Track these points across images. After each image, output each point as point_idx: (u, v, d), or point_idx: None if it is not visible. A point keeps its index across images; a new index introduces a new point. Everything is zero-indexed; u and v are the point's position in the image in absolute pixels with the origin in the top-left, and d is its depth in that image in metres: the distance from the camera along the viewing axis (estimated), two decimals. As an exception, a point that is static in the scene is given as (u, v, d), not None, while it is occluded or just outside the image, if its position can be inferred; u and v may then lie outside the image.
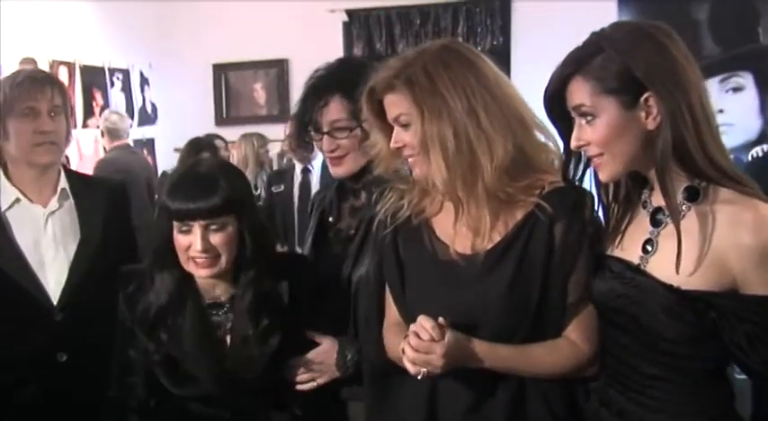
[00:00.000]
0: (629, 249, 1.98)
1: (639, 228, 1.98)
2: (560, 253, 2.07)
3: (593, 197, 2.09)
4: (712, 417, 1.93)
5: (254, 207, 2.53)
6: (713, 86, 7.83)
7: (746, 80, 7.83)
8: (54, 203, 2.82)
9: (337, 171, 2.64)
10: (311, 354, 2.48)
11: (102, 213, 2.86)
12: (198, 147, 6.30)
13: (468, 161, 2.06)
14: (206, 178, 2.36)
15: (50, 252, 2.79)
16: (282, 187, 6.59)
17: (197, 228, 2.32)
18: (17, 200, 2.79)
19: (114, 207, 2.93)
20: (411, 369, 2.01)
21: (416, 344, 1.98)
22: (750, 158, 6.64)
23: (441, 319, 2.00)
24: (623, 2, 8.00)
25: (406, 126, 2.13)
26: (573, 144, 1.95)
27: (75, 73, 7.41)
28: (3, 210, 2.77)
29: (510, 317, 2.08)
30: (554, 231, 2.08)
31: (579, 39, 1.96)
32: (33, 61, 6.69)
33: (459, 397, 2.14)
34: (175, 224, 2.35)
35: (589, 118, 1.89)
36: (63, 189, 2.84)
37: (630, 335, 1.95)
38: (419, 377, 2.01)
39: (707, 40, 7.95)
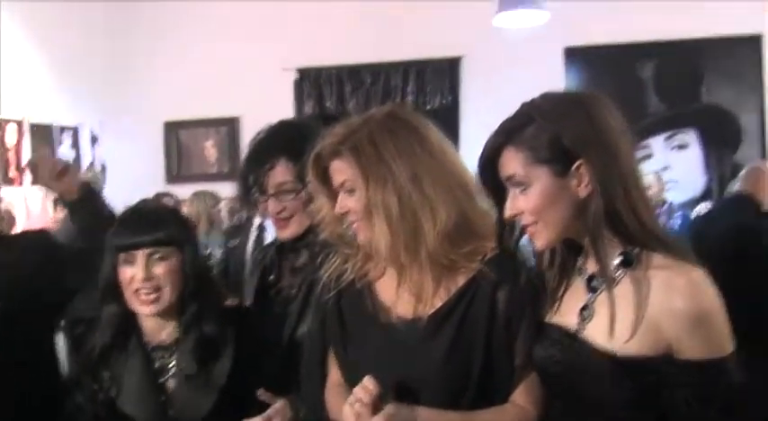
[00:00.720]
0: (566, 316, 1.98)
1: (576, 294, 1.98)
2: (504, 319, 2.08)
3: (529, 263, 2.11)
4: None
5: (198, 249, 2.54)
6: (659, 143, 8.00)
7: (691, 137, 8.00)
8: None
9: (283, 233, 2.66)
10: (267, 414, 2.46)
11: (11, 268, 2.76)
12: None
13: (412, 227, 2.07)
14: (151, 213, 2.46)
15: None
16: (238, 242, 6.59)
17: (140, 258, 2.36)
18: None
19: (32, 260, 2.81)
20: None
21: (357, 414, 1.98)
22: (694, 215, 6.75)
23: (374, 390, 2.00)
24: (570, 61, 8.16)
25: (350, 192, 2.14)
26: (507, 213, 1.95)
27: (24, 131, 7.37)
28: None
29: (452, 383, 2.08)
30: (497, 297, 2.09)
31: (528, 97, 1.98)
32: (-19, 119, 6.67)
33: None
34: (120, 257, 2.38)
35: (522, 187, 1.90)
36: None
37: (571, 400, 1.95)
38: None
39: (652, 98, 8.13)
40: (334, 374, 2.30)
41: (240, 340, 2.47)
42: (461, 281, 2.13)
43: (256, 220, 6.30)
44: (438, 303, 2.13)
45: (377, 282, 2.25)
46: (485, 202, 2.14)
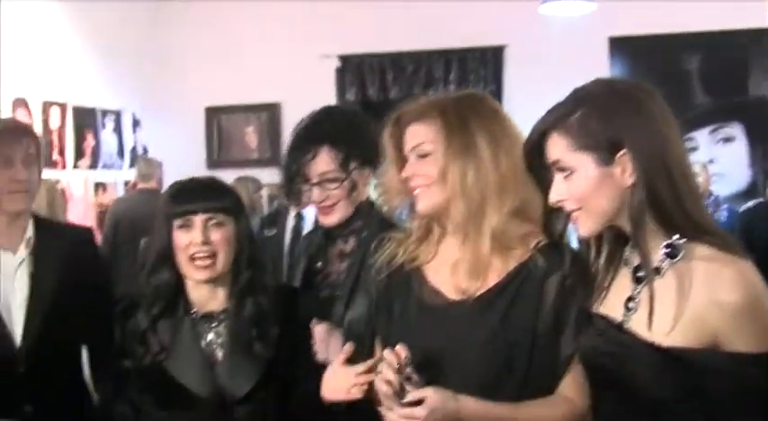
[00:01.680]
0: (612, 307, 1.95)
1: (622, 285, 1.96)
2: (553, 307, 2.10)
3: (576, 252, 2.10)
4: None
5: (250, 222, 2.58)
6: (704, 136, 7.90)
7: (736, 131, 7.90)
8: (22, 252, 2.83)
9: (328, 219, 2.69)
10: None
11: (60, 262, 2.86)
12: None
13: (481, 199, 2.11)
14: (207, 182, 2.53)
15: (17, 301, 2.79)
16: (274, 231, 6.56)
17: (198, 223, 2.40)
18: None
19: (74, 254, 2.92)
20: None
21: (398, 412, 2.01)
22: (743, 209, 6.66)
23: (403, 355, 2.02)
24: (615, 51, 8.08)
25: (424, 156, 2.17)
26: (551, 199, 1.95)
27: (68, 114, 7.42)
28: None
29: (494, 366, 2.09)
30: (546, 285, 2.11)
31: (571, 87, 1.96)
32: (25, 102, 6.71)
33: None
34: (175, 223, 2.42)
35: (566, 173, 1.89)
36: (29, 238, 2.85)
37: (615, 393, 1.92)
38: None
39: (697, 91, 8.03)
40: None
41: (287, 318, 2.49)
42: (513, 264, 2.15)
43: (293, 209, 6.28)
44: (488, 284, 2.14)
45: (426, 265, 2.26)
46: None
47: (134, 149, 8.50)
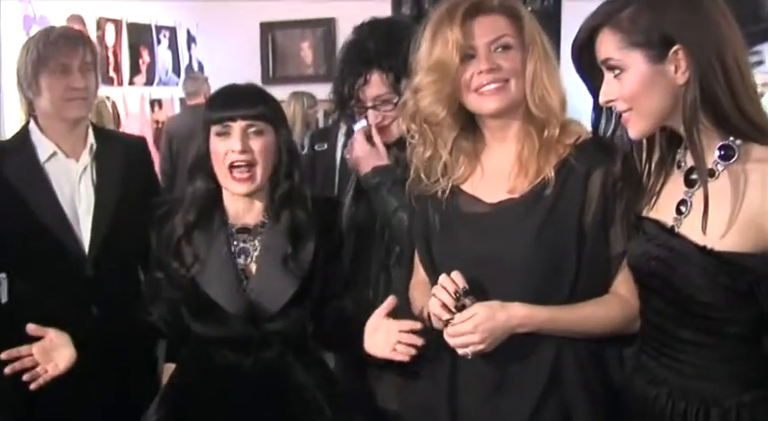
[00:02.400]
0: (663, 210, 1.91)
1: (674, 188, 1.91)
2: (598, 202, 2.07)
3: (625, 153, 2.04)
4: (747, 383, 1.85)
5: (290, 133, 2.52)
6: (771, 52, 7.67)
7: (805, 45, 7.67)
8: (86, 158, 2.90)
9: (385, 138, 2.71)
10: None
11: (119, 168, 2.94)
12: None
13: (559, 98, 2.12)
14: (247, 89, 2.44)
15: (83, 207, 2.87)
16: (325, 146, 6.53)
17: (236, 130, 2.33)
18: (54, 153, 2.87)
19: (131, 161, 3.00)
20: (458, 351, 2.03)
21: (447, 330, 2.02)
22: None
23: (461, 284, 2.01)
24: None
25: (507, 48, 2.13)
26: (601, 99, 1.89)
27: (122, 30, 7.42)
28: (42, 162, 2.86)
29: (542, 267, 2.07)
30: (590, 180, 2.08)
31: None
32: (81, 18, 6.71)
33: (490, 366, 2.12)
34: (214, 130, 2.35)
35: (617, 72, 1.84)
36: (91, 144, 2.92)
37: (664, 298, 1.89)
38: (469, 357, 2.03)
39: (766, 3, 7.78)
40: (420, 272, 2.31)
41: (327, 228, 2.47)
42: (554, 160, 2.11)
43: (343, 125, 6.26)
44: (533, 182, 2.11)
45: (464, 182, 2.24)
46: None
47: (189, 66, 8.50)
